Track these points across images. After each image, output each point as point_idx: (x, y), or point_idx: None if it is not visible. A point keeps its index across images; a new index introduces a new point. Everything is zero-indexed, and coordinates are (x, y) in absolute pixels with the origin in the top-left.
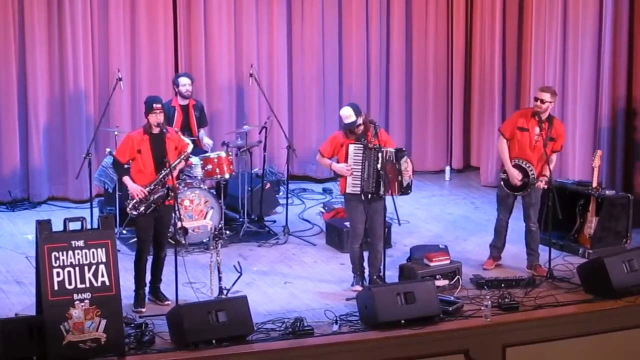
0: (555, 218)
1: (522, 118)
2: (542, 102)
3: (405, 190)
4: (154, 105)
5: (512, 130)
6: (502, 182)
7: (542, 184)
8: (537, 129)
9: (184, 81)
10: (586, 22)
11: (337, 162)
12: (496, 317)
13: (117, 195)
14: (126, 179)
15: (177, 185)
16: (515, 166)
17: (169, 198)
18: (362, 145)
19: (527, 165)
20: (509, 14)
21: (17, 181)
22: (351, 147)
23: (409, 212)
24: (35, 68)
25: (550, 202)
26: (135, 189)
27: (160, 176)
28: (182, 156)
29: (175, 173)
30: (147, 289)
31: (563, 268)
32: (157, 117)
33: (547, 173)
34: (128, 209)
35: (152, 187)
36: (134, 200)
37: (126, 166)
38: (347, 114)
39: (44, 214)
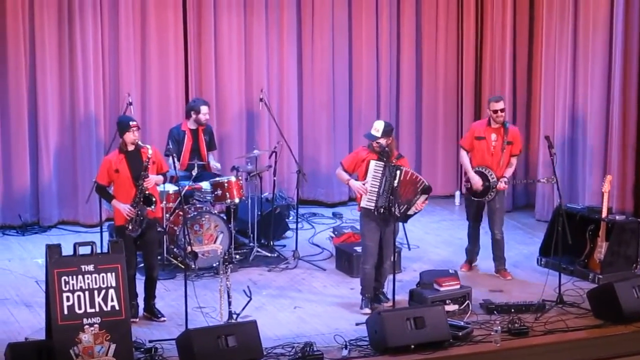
0: (565, 243)
1: (478, 128)
2: (501, 111)
3: (405, 218)
4: (131, 122)
5: (471, 142)
6: (466, 191)
7: (502, 184)
8: (493, 136)
9: (205, 109)
10: (596, 47)
11: (357, 178)
12: (506, 342)
13: None
14: (115, 202)
15: (187, 210)
16: (476, 173)
17: (152, 208)
18: (382, 163)
19: (487, 170)
20: (519, 39)
21: (27, 205)
22: (372, 162)
23: (418, 236)
24: (45, 92)
25: (560, 227)
26: (124, 209)
27: (139, 188)
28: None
29: (150, 185)
30: (141, 303)
31: (573, 293)
32: (133, 135)
33: (507, 175)
34: (127, 232)
35: (135, 202)
36: (129, 220)
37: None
38: (377, 128)
39: (54, 238)
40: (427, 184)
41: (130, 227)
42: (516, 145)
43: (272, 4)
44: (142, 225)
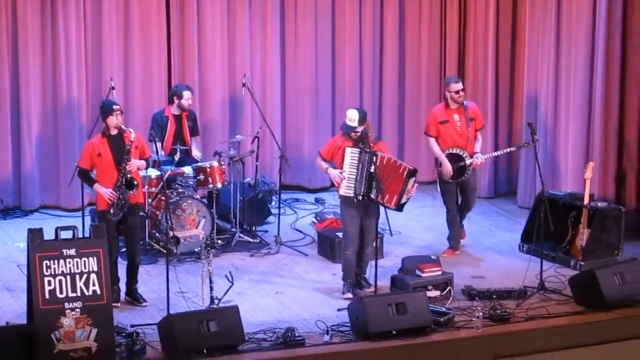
0: (547, 230)
1: (439, 112)
2: (462, 91)
3: (400, 207)
4: (114, 106)
5: (436, 128)
6: (440, 175)
7: (478, 160)
8: (455, 116)
9: (187, 94)
10: (579, 33)
11: (335, 166)
12: (487, 329)
13: None
14: (96, 186)
15: (170, 194)
16: (449, 155)
17: (133, 191)
18: (358, 149)
19: (459, 150)
20: (502, 26)
21: (9, 189)
22: (348, 150)
23: (401, 222)
24: (28, 77)
25: (542, 213)
26: (106, 193)
27: (121, 172)
28: (144, 161)
29: (132, 169)
30: (123, 288)
31: (555, 280)
32: (117, 119)
33: (478, 149)
34: (109, 216)
35: (117, 185)
36: (111, 205)
37: (93, 175)
38: (352, 117)
39: (36, 223)
40: (410, 167)
41: (112, 211)
42: (478, 120)
43: None
44: (124, 209)
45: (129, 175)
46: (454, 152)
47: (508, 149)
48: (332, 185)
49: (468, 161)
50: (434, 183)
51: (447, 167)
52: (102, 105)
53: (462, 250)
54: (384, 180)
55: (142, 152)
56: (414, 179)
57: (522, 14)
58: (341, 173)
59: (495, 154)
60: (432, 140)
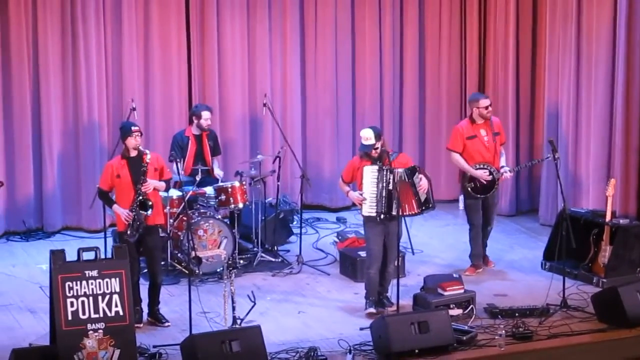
0: (569, 247)
1: (465, 128)
2: (491, 105)
3: (425, 205)
4: (133, 127)
5: (462, 143)
6: (470, 191)
7: (507, 174)
8: (482, 131)
9: (206, 115)
10: (599, 51)
11: (356, 187)
12: (510, 347)
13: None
14: (115, 207)
15: (191, 215)
16: (478, 170)
17: (147, 212)
18: (376, 167)
19: (486, 165)
20: (522, 43)
21: (31, 211)
22: (366, 169)
23: (422, 241)
24: (49, 98)
25: (564, 231)
26: (122, 213)
27: (137, 192)
28: (164, 182)
29: (148, 190)
30: (145, 309)
31: (577, 297)
32: (135, 140)
33: (503, 163)
34: (125, 237)
35: (133, 206)
36: (128, 225)
37: (113, 196)
38: (367, 136)
39: (58, 244)
40: (408, 168)
41: (128, 232)
42: (502, 135)
43: (275, 10)
44: (139, 230)
45: (141, 197)
46: (482, 166)
47: (532, 162)
48: (354, 204)
49: (497, 175)
50: (455, 201)
51: (483, 175)
52: (122, 127)
53: (484, 268)
54: (400, 193)
55: (161, 173)
56: (417, 173)
57: (542, 29)
58: (361, 194)
59: (520, 167)
60: (458, 156)
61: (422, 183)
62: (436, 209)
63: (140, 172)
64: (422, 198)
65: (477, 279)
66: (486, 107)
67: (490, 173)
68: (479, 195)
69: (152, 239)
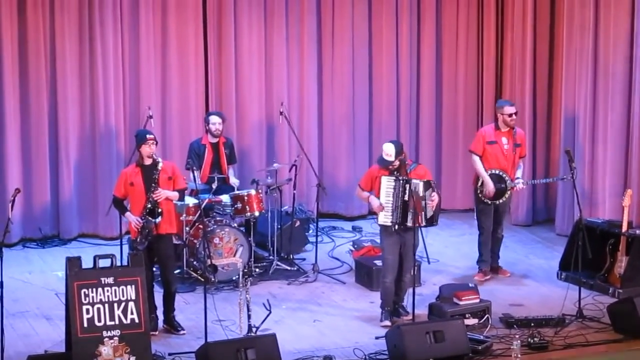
0: (585, 257)
1: (488, 133)
2: (515, 114)
3: (429, 221)
4: (147, 135)
5: (483, 147)
6: (481, 196)
7: (521, 185)
8: (504, 139)
9: (214, 120)
10: (616, 62)
11: (374, 194)
12: (525, 357)
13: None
14: (127, 215)
15: (207, 223)
16: (491, 175)
17: (155, 220)
18: (393, 178)
19: (502, 172)
20: (539, 52)
21: (47, 218)
22: (383, 179)
23: (438, 250)
24: (66, 105)
25: (580, 241)
26: (133, 220)
27: (147, 199)
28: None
29: (159, 198)
30: (161, 316)
31: (593, 307)
32: (150, 148)
33: (519, 175)
34: (134, 244)
35: (143, 213)
36: (138, 233)
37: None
38: (389, 152)
39: (74, 251)
40: (424, 181)
41: (138, 240)
42: (523, 147)
43: (292, 17)
44: (148, 238)
45: (150, 205)
46: (497, 172)
47: (547, 180)
48: (370, 213)
49: (509, 184)
50: (470, 211)
51: (490, 186)
52: (137, 135)
53: (498, 277)
54: (414, 205)
55: (175, 182)
56: (430, 189)
57: (560, 40)
58: (381, 204)
59: (535, 182)
60: (477, 159)
61: (434, 199)
62: (452, 218)
63: (152, 180)
64: (429, 214)
65: (492, 289)
66: (510, 115)
67: (503, 180)
68: (489, 202)
69: (163, 247)
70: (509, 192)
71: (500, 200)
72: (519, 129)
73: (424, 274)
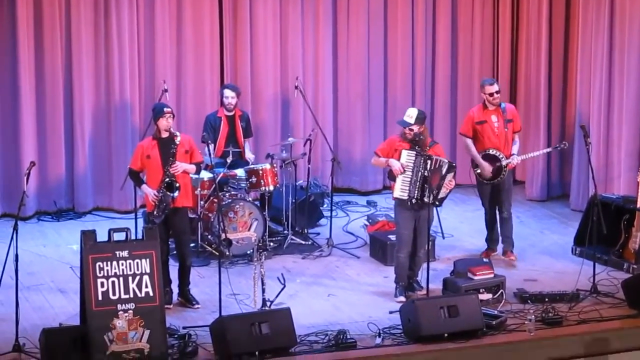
0: (599, 233)
1: (476, 113)
2: (496, 93)
3: (438, 201)
4: (165, 109)
5: (472, 128)
6: (477, 177)
7: (514, 161)
8: (493, 117)
9: (227, 93)
10: (632, 38)
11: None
12: (539, 332)
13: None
14: (144, 187)
15: (222, 197)
16: (485, 156)
17: (174, 194)
18: (414, 152)
19: (496, 152)
20: (555, 28)
21: (62, 191)
22: (404, 152)
23: (453, 225)
24: (81, 79)
25: (594, 216)
26: (149, 193)
27: (165, 173)
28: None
29: (177, 171)
30: (175, 290)
31: (607, 283)
32: (167, 121)
33: (515, 151)
34: (151, 218)
35: (160, 188)
36: (155, 206)
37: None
38: (411, 114)
39: (89, 225)
40: (449, 162)
41: (155, 213)
42: (516, 122)
43: None
44: (165, 211)
45: (168, 179)
46: (490, 153)
47: (544, 150)
48: (384, 187)
49: (504, 162)
50: None
51: (487, 169)
52: (154, 108)
53: (502, 258)
54: (431, 182)
55: (192, 156)
56: (452, 174)
57: (575, 20)
58: (402, 165)
59: (532, 154)
60: (469, 142)
61: (451, 183)
62: (467, 194)
63: (169, 154)
64: (441, 195)
65: (507, 264)
66: (491, 94)
67: (498, 159)
68: (485, 181)
69: (179, 221)
70: (505, 171)
71: (499, 179)
72: (509, 104)
73: (438, 249)
